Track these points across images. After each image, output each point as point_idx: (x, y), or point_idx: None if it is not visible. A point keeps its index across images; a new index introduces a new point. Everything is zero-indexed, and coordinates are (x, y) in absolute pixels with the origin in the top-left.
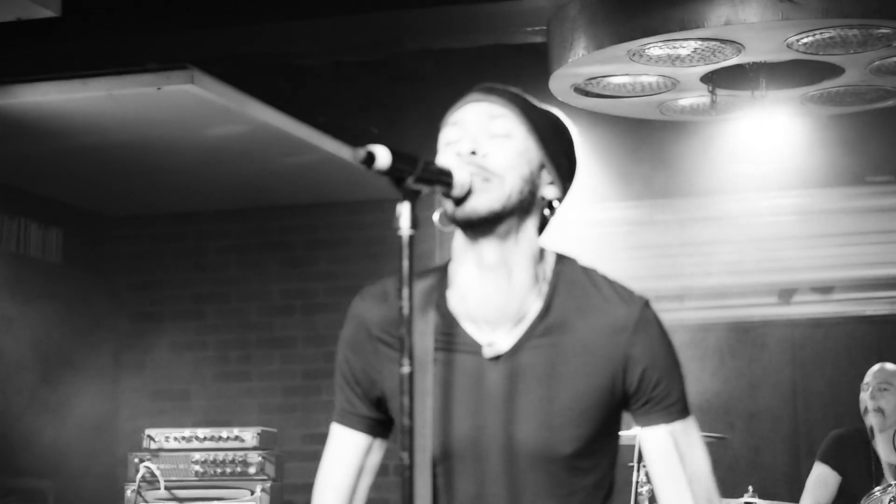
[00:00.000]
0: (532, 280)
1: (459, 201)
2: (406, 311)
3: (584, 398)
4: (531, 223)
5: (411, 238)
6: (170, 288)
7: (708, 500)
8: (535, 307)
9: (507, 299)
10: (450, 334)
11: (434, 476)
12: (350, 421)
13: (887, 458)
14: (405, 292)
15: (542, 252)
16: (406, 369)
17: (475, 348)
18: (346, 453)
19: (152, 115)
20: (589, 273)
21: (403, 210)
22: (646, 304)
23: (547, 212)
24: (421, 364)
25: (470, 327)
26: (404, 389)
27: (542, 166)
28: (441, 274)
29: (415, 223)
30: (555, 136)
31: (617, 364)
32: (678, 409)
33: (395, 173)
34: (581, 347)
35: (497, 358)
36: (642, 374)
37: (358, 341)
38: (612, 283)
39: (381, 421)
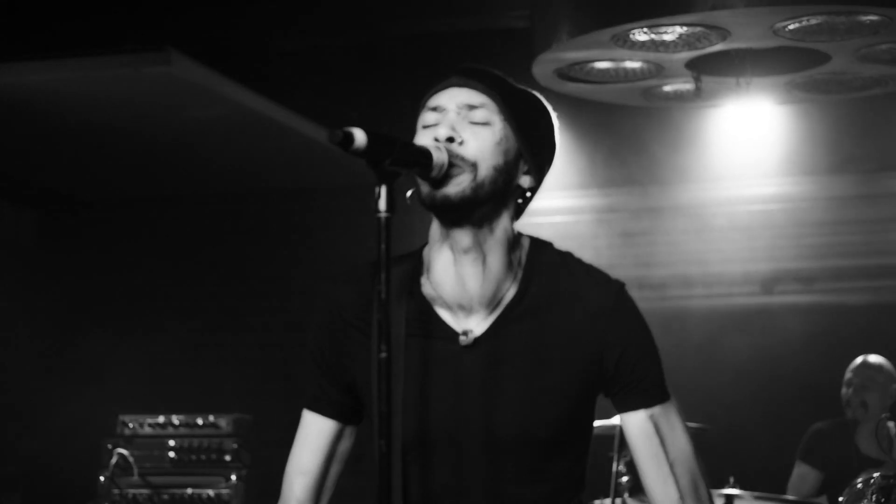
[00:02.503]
0: (507, 266)
1: (434, 185)
2: (384, 294)
3: (561, 382)
4: (506, 210)
5: (388, 220)
6: (145, 272)
7: (692, 482)
8: (510, 292)
9: (482, 285)
10: (424, 321)
11: (406, 464)
12: (321, 407)
13: (868, 451)
14: (383, 276)
15: (517, 237)
16: (383, 354)
17: (450, 335)
18: (317, 439)
19: (129, 97)
20: (564, 258)
21: (381, 192)
22: (621, 287)
23: (521, 201)
24: (393, 350)
25: (445, 314)
26: (381, 374)
27: (519, 155)
28: (415, 260)
29: (391, 206)
30: (533, 124)
31: (593, 348)
32: (657, 392)
33: (372, 155)
34: (557, 332)
35: (473, 345)
36: (619, 358)
37: (330, 326)
38: (587, 268)
39: (352, 407)
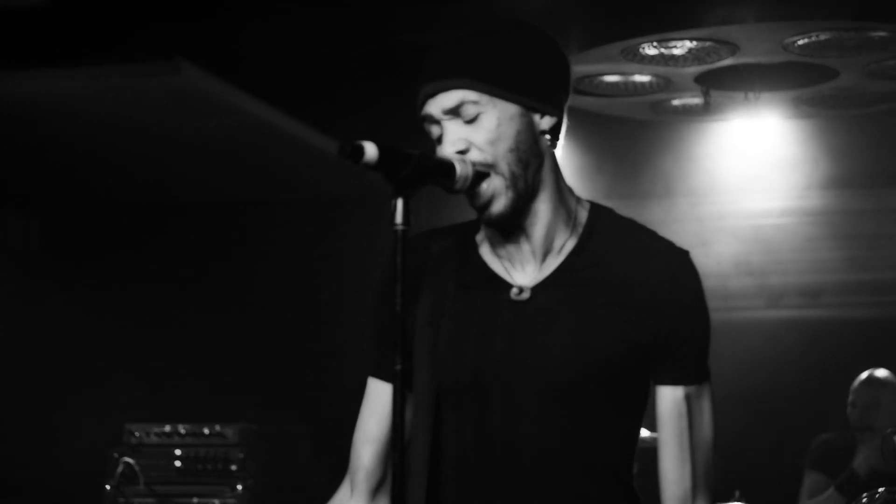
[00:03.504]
0: (563, 216)
1: (478, 206)
2: (398, 307)
3: (613, 337)
4: (542, 164)
5: (404, 233)
6: (150, 280)
7: (707, 473)
8: (569, 244)
9: (534, 237)
10: (478, 276)
11: (440, 419)
12: (384, 373)
13: (875, 466)
14: (398, 288)
15: (570, 191)
16: (398, 367)
17: (503, 287)
18: (383, 406)
19: (137, 106)
20: (629, 221)
21: (397, 205)
22: (686, 255)
23: (549, 137)
24: (442, 303)
25: (499, 268)
26: (395, 387)
27: (526, 111)
28: (472, 223)
29: (408, 219)
30: (524, 70)
31: (650, 312)
32: (699, 370)
33: (386, 168)
34: (615, 288)
35: (528, 297)
36: (672, 327)
37: (386, 290)
38: (652, 232)
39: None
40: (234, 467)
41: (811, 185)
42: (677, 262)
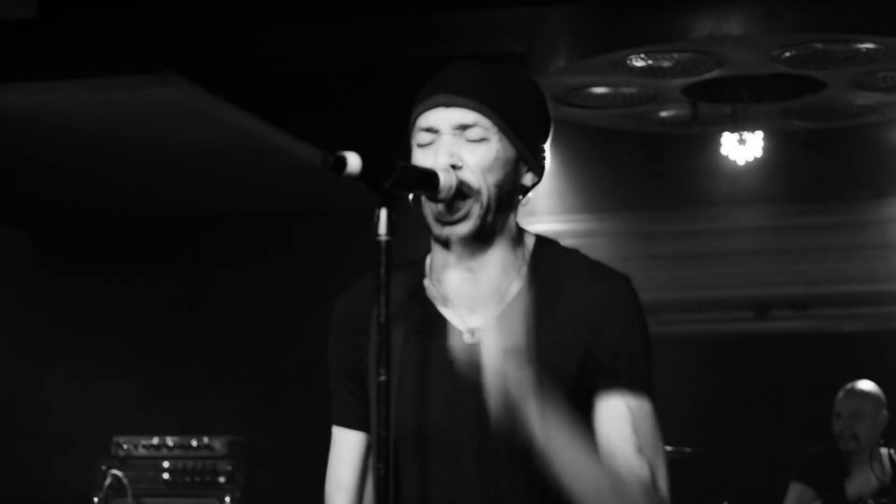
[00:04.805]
0: (511, 262)
1: (444, 222)
2: (383, 318)
3: (557, 375)
4: (511, 212)
5: (388, 244)
6: (140, 293)
7: (662, 474)
8: (514, 287)
9: (487, 283)
10: (428, 321)
11: (399, 465)
12: (349, 421)
13: (864, 493)
14: (382, 299)
15: (521, 233)
16: (382, 378)
17: (455, 333)
18: (351, 454)
19: (127, 119)
20: (570, 254)
21: (381, 215)
22: (624, 280)
23: (521, 196)
24: (393, 350)
25: (449, 314)
26: (381, 398)
27: (518, 159)
28: (419, 263)
29: (392, 229)
30: (528, 121)
31: (588, 338)
32: (637, 384)
33: (369, 179)
34: (558, 326)
35: (478, 342)
36: (605, 343)
37: (340, 339)
38: (592, 262)
39: None
40: (222, 479)
41: (799, 196)
42: (615, 287)
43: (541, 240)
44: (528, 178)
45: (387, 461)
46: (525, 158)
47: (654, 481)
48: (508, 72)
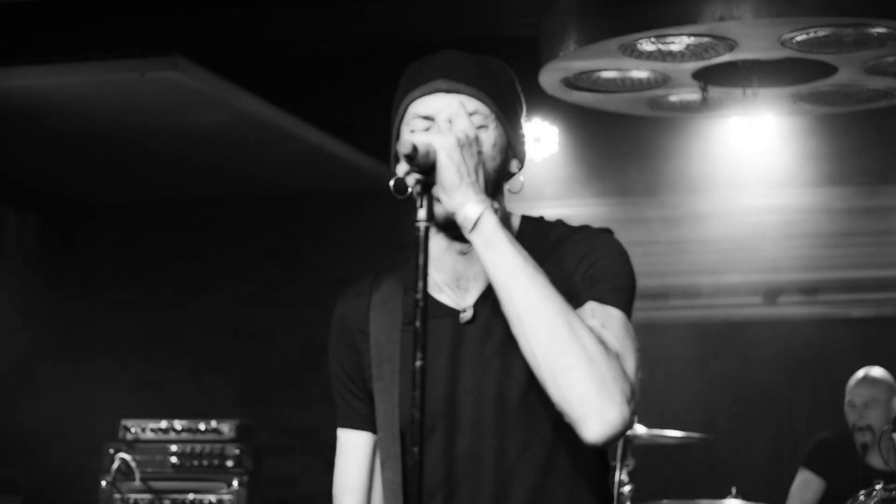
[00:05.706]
0: None
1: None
2: (422, 303)
3: None
4: (500, 198)
5: (427, 230)
6: (148, 277)
7: (617, 351)
8: None
9: (476, 262)
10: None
11: (405, 448)
12: (354, 422)
13: (873, 464)
14: (420, 284)
15: (508, 217)
16: (419, 363)
17: (451, 313)
18: (357, 455)
19: (135, 102)
20: (553, 226)
21: (423, 202)
22: (605, 230)
23: (508, 185)
24: (388, 337)
25: (443, 297)
26: (416, 382)
27: (507, 146)
28: (409, 263)
29: (431, 215)
30: (515, 110)
31: (572, 275)
32: (612, 299)
33: (424, 183)
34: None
35: (472, 319)
36: (586, 268)
37: (340, 340)
38: (571, 227)
39: None
40: (229, 463)
41: (809, 181)
42: (596, 231)
43: (525, 218)
44: (513, 165)
45: (421, 446)
46: (513, 145)
47: (617, 356)
48: (491, 61)
